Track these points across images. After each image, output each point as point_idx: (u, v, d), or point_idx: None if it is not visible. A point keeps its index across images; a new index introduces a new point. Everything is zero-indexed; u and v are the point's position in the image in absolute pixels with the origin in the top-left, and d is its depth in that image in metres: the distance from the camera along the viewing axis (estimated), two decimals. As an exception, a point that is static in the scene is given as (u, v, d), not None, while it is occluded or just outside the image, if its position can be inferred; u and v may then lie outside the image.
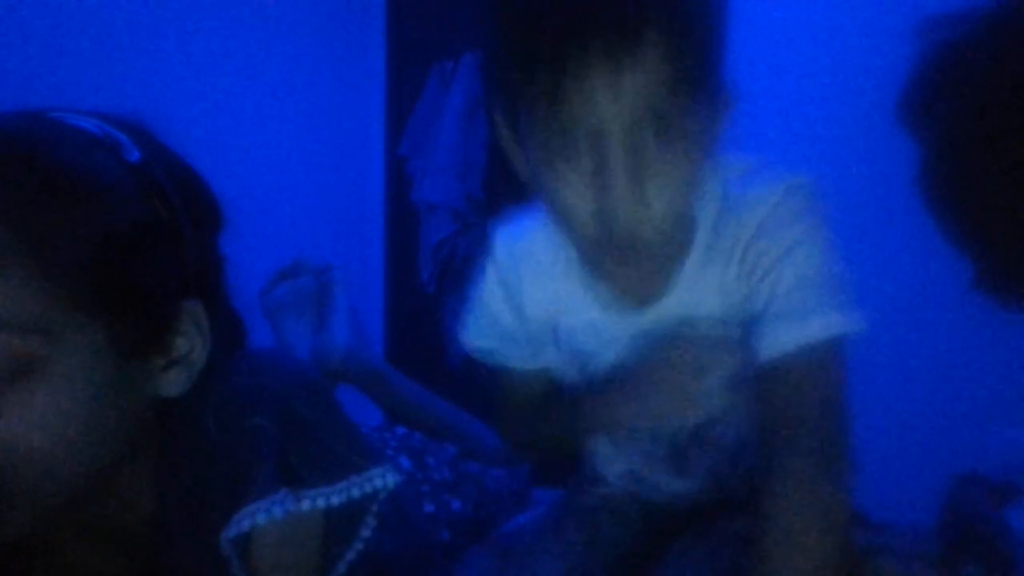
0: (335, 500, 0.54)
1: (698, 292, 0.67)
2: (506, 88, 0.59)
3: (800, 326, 0.61)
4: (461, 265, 2.36)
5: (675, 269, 0.67)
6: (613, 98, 0.53)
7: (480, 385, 0.87)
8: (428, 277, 2.42)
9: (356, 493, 0.55)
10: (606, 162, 0.55)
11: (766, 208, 0.64)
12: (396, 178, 2.60)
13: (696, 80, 0.54)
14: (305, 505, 0.52)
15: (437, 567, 0.83)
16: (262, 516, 0.50)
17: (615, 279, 0.68)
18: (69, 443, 0.45)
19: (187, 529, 0.53)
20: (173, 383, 0.52)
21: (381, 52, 2.66)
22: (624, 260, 0.61)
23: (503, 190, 2.37)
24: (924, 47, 0.47)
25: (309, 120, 2.41)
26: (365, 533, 0.57)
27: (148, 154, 0.52)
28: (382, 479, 0.56)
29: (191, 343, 0.52)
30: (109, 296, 0.46)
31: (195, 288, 0.54)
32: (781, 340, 0.61)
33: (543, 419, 0.80)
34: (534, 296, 0.74)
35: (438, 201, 2.34)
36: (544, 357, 0.78)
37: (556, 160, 0.57)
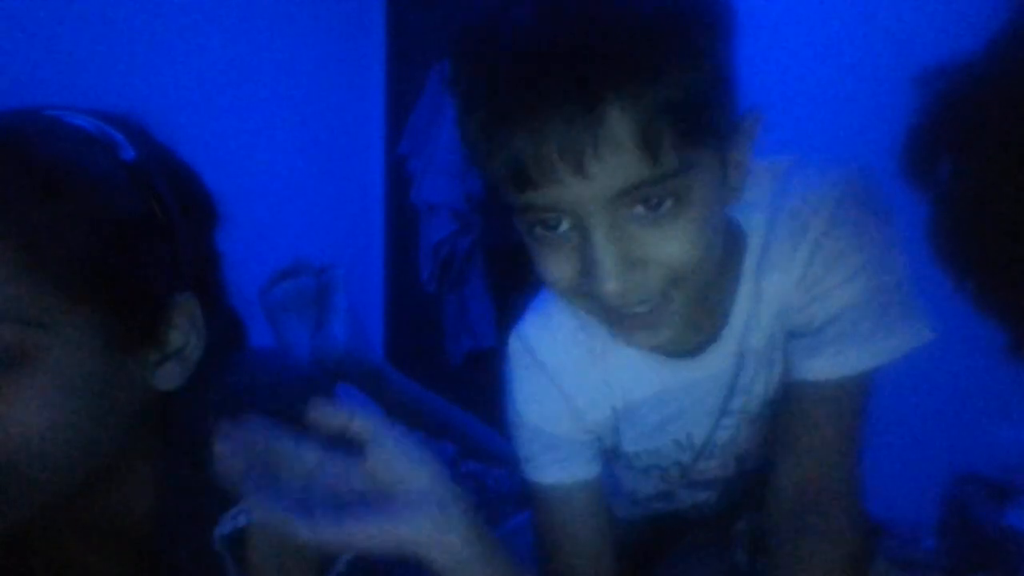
0: (334, 499, 0.53)
1: (759, 311, 0.60)
2: (477, 164, 0.50)
3: (858, 353, 0.56)
4: (461, 265, 2.37)
5: (729, 296, 0.60)
6: (584, 180, 0.44)
7: (480, 385, 0.86)
8: (428, 277, 2.42)
9: (355, 492, 0.54)
10: (591, 247, 0.47)
11: (828, 210, 0.56)
12: (396, 178, 2.60)
13: (690, 138, 0.45)
14: (303, 504, 0.52)
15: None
16: (260, 514, 0.50)
17: (655, 345, 0.58)
18: (63, 434, 0.45)
19: (186, 526, 0.53)
20: (168, 377, 0.52)
21: (381, 52, 2.66)
22: (645, 334, 0.53)
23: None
24: (923, 98, 0.43)
25: (309, 120, 2.41)
26: (364, 532, 0.57)
27: (143, 152, 0.52)
28: (381, 478, 0.56)
29: (185, 337, 0.52)
30: (102, 289, 0.46)
31: (190, 283, 0.53)
32: (834, 364, 0.57)
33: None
34: (592, 386, 0.63)
35: (438, 201, 2.34)
36: (596, 463, 0.67)
37: (540, 241, 0.50)
